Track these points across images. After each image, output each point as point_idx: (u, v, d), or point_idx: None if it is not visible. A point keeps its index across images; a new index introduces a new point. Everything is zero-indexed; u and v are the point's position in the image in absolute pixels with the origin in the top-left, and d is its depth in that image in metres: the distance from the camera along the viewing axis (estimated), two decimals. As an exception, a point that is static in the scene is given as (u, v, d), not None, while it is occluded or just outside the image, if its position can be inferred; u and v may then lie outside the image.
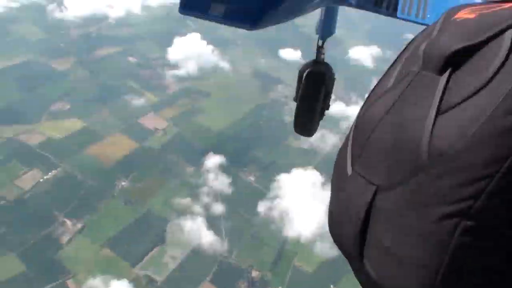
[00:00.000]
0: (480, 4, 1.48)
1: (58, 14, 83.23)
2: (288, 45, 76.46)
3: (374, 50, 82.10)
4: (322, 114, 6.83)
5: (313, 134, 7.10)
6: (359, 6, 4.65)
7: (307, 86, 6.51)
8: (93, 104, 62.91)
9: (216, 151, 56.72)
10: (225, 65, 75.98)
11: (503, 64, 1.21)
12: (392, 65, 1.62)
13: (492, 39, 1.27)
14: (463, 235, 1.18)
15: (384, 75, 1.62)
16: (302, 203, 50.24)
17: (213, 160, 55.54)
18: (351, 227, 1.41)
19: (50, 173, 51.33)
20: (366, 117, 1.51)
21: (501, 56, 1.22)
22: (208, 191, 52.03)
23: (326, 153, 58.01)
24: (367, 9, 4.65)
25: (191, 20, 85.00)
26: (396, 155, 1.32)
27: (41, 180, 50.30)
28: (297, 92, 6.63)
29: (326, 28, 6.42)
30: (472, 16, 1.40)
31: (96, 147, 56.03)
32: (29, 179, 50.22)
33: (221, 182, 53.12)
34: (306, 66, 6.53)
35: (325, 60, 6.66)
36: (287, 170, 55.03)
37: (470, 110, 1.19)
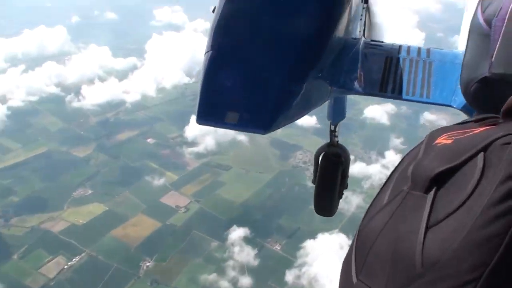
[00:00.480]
0: (455, 129, 1.73)
1: (76, 104, 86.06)
2: (303, 113, 76.84)
3: (389, 107, 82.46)
4: (341, 194, 7.04)
5: (333, 214, 7.25)
6: (365, 93, 4.76)
7: (324, 169, 6.74)
8: (114, 188, 63.42)
9: (240, 224, 55.97)
10: (242, 138, 76.42)
11: (477, 183, 1.40)
12: (385, 183, 1.79)
13: (467, 161, 1.46)
14: None
15: (380, 192, 1.78)
16: (330, 268, 48.77)
17: (237, 233, 54.78)
18: None
19: (74, 259, 51.03)
20: (367, 230, 1.66)
21: (476, 176, 1.41)
22: (234, 264, 50.90)
23: (350, 215, 57.07)
24: (373, 95, 4.78)
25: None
26: (395, 265, 1.47)
27: (66, 266, 49.94)
28: (314, 174, 6.84)
29: (337, 114, 6.65)
30: (449, 142, 1.62)
31: (120, 229, 55.83)
32: (54, 266, 50.00)
33: (246, 254, 52.05)
34: (321, 149, 6.76)
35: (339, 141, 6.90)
36: (313, 235, 53.92)
37: (453, 224, 1.38)
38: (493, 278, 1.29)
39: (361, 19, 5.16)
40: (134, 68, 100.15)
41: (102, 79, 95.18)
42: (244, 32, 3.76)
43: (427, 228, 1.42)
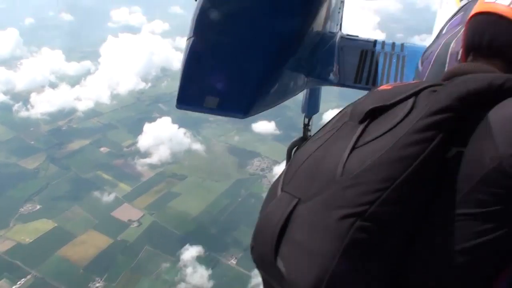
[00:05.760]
0: (399, 82, 2.03)
1: (24, 113, 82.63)
2: (260, 118, 75.46)
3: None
4: None
5: None
6: (340, 84, 5.01)
7: None
8: (64, 202, 61.05)
9: (194, 240, 54.27)
10: (198, 146, 74.91)
11: (404, 117, 1.71)
12: (325, 125, 2.02)
13: (400, 102, 1.79)
14: (357, 232, 1.59)
15: (319, 130, 2.01)
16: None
17: (190, 253, 52.94)
18: (271, 232, 1.74)
19: (19, 283, 48.68)
20: (299, 155, 1.92)
21: (404, 112, 1.73)
22: (186, 287, 49.20)
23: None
24: (348, 86, 5.01)
25: (161, 104, 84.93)
26: (317, 176, 1.73)
27: (10, 291, 47.59)
28: None
29: (311, 107, 6.76)
30: (389, 87, 1.93)
31: (68, 247, 53.63)
32: (-4, 291, 47.61)
33: (200, 275, 50.38)
34: (294, 143, 6.70)
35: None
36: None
37: (376, 145, 1.68)
38: (398, 190, 1.59)
39: (338, 13, 5.35)
40: (87, 73, 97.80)
41: (53, 86, 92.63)
42: (225, 20, 3.88)
43: (353, 148, 1.70)
